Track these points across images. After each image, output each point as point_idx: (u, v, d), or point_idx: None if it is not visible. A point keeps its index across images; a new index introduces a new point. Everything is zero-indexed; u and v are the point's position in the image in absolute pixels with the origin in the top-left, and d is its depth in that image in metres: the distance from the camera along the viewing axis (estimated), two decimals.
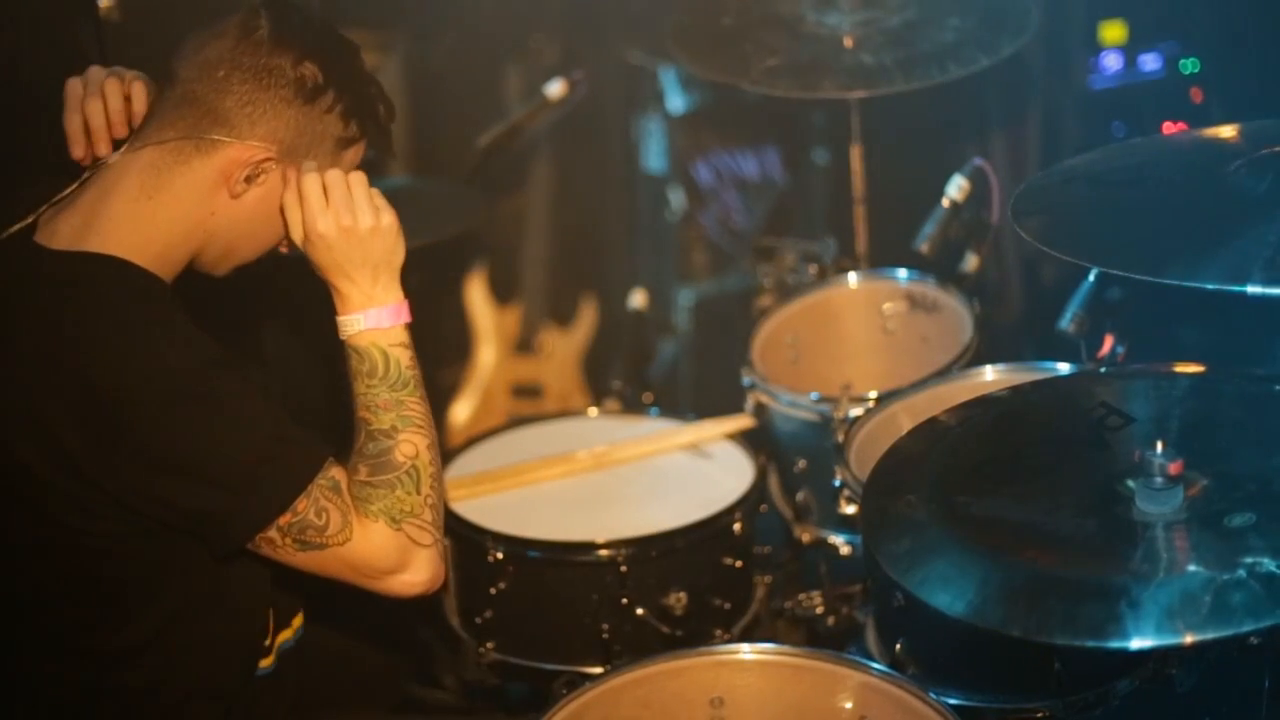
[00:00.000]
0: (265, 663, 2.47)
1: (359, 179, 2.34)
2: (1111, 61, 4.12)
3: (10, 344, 2.21)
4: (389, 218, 2.34)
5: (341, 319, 2.34)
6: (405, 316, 2.35)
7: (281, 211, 2.33)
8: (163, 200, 2.28)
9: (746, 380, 3.33)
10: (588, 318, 4.92)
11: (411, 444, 2.28)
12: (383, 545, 2.24)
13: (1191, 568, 1.97)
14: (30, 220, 2.30)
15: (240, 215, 2.32)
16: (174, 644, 2.33)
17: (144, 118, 2.35)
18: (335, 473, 2.25)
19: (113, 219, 2.27)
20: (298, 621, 2.55)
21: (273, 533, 2.21)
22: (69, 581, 2.28)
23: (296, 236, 2.32)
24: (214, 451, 2.18)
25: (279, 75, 2.27)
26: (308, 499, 2.20)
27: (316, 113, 2.31)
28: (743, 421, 3.23)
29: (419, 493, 2.26)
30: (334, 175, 2.32)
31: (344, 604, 2.62)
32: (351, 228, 2.30)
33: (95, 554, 2.25)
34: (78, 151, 2.37)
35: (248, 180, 2.29)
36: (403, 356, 2.33)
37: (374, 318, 2.33)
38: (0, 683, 2.36)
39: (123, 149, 2.33)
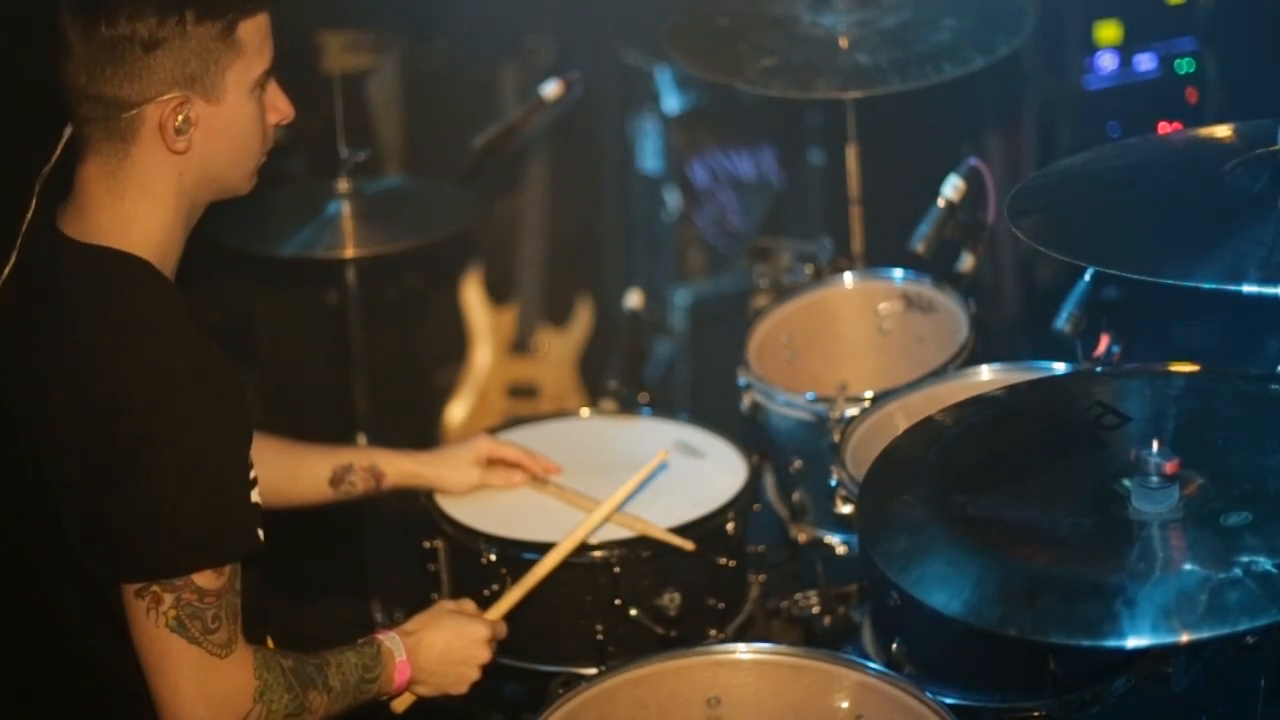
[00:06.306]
0: None
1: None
2: (1107, 62, 4.12)
3: (35, 332, 2.28)
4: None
5: (392, 639, 2.52)
6: (404, 687, 2.56)
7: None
8: (132, 195, 2.32)
9: (742, 380, 3.33)
10: (583, 318, 4.92)
11: (322, 708, 2.39)
12: (235, 692, 2.27)
13: (1187, 567, 1.97)
14: (35, 205, 2.35)
15: (203, 156, 2.34)
16: None
17: (70, 141, 2.35)
18: (237, 584, 2.28)
19: (104, 226, 2.31)
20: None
21: (169, 594, 2.20)
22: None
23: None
24: (178, 489, 2.20)
25: (122, 41, 2.25)
26: (219, 600, 2.23)
27: (179, 39, 2.27)
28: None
29: (283, 715, 2.33)
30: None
31: (342, 604, 2.62)
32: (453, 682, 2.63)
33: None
34: None
35: (179, 132, 2.30)
36: (378, 690, 2.49)
37: (405, 664, 2.52)
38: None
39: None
